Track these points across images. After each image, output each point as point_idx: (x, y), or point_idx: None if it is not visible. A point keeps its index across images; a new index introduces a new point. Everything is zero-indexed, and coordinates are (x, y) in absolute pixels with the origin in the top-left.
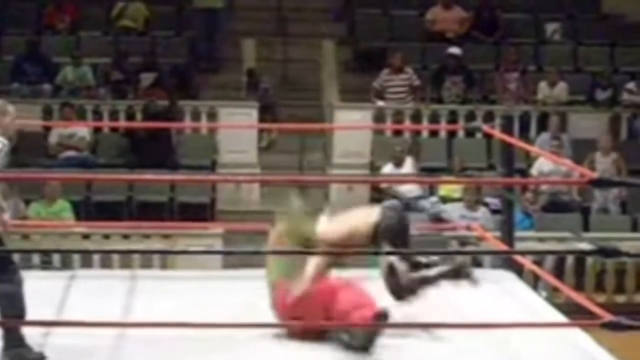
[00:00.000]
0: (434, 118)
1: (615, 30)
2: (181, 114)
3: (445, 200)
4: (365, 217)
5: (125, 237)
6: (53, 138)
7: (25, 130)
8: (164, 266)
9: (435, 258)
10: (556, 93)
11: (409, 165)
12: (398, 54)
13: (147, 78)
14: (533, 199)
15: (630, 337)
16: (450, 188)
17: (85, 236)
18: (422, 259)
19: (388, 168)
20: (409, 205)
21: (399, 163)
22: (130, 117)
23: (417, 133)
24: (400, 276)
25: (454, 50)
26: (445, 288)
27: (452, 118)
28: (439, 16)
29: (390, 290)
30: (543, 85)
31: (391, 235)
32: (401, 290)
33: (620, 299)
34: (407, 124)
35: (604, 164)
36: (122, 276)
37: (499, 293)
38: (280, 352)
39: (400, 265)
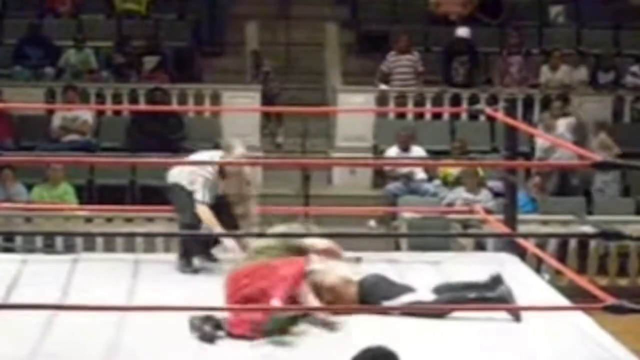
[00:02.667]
0: (438, 101)
1: (619, 12)
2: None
3: (445, 183)
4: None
5: (129, 220)
6: (56, 121)
7: (28, 113)
8: (167, 249)
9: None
10: (558, 76)
11: (416, 150)
12: (404, 37)
13: (149, 61)
14: (542, 183)
15: (633, 320)
16: (447, 171)
17: (88, 219)
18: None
19: (393, 151)
20: (412, 189)
21: (405, 147)
22: (133, 100)
23: (420, 116)
24: None
25: (463, 32)
26: (447, 270)
27: (456, 101)
28: None
29: None
30: (545, 69)
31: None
32: None
33: (623, 282)
34: (410, 107)
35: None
36: (126, 259)
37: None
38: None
39: None
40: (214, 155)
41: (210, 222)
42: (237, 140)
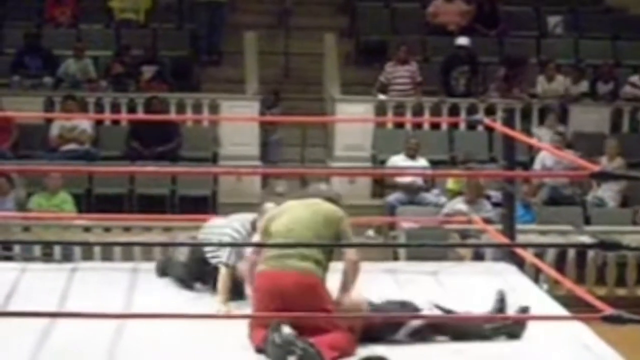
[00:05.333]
0: (436, 111)
1: (617, 23)
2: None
3: (453, 194)
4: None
5: (127, 229)
6: (54, 131)
7: (27, 123)
8: None
9: None
10: (554, 87)
11: (423, 160)
12: (403, 47)
13: (148, 71)
14: (532, 192)
15: (631, 330)
16: (457, 181)
17: (87, 229)
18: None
19: (399, 159)
20: (411, 198)
21: (413, 155)
22: (132, 109)
23: (419, 126)
24: None
25: (463, 41)
26: (446, 280)
27: (454, 111)
28: (440, 9)
29: None
30: (541, 79)
31: None
32: None
33: (621, 292)
34: (409, 117)
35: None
36: (124, 269)
37: (500, 286)
38: None
39: None
40: (246, 218)
41: (222, 288)
42: (272, 204)
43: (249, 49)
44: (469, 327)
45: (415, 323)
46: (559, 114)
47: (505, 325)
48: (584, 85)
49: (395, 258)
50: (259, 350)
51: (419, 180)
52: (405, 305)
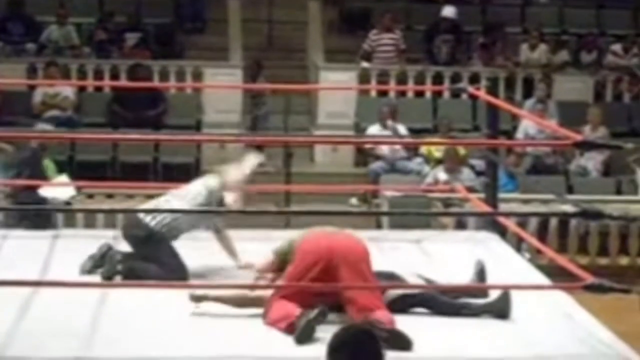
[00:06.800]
0: (420, 79)
1: None
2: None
3: (427, 160)
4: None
5: (109, 196)
6: (37, 97)
7: (9, 89)
8: None
9: None
10: (536, 56)
11: (402, 128)
12: (387, 15)
13: (131, 38)
14: (516, 161)
15: (613, 299)
16: (431, 147)
17: None
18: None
19: (375, 129)
20: (394, 167)
21: (386, 124)
22: (115, 76)
23: (402, 94)
24: None
25: (449, 12)
26: (428, 248)
27: (438, 79)
28: None
29: None
30: (524, 48)
31: None
32: None
33: (603, 261)
34: (392, 85)
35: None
36: (106, 236)
37: (482, 254)
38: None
39: None
40: (209, 183)
41: (234, 250)
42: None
43: (233, 17)
44: (454, 303)
45: (394, 292)
46: (549, 83)
47: (491, 304)
48: (563, 55)
49: (378, 226)
50: (287, 329)
51: (401, 152)
52: (384, 275)
